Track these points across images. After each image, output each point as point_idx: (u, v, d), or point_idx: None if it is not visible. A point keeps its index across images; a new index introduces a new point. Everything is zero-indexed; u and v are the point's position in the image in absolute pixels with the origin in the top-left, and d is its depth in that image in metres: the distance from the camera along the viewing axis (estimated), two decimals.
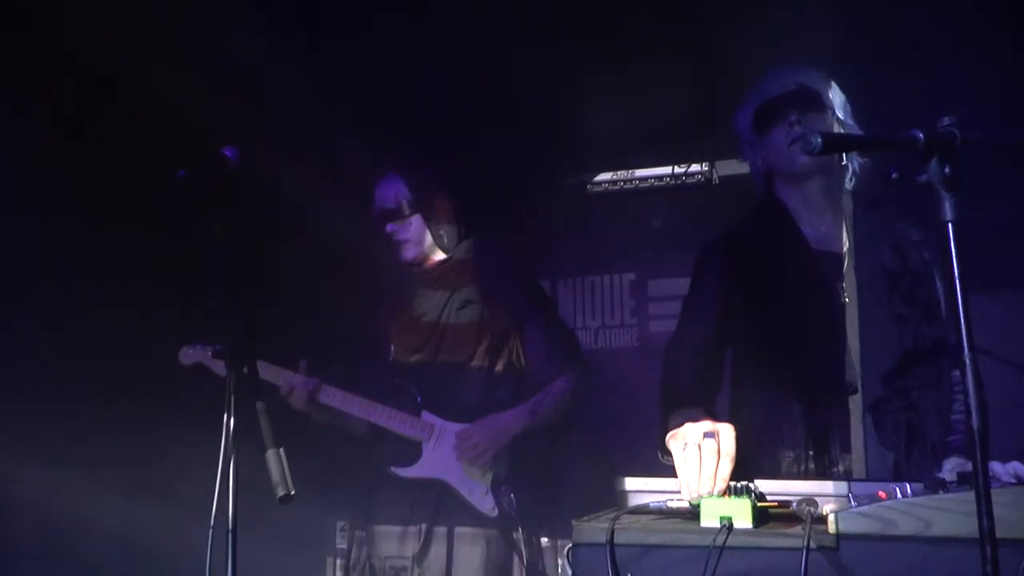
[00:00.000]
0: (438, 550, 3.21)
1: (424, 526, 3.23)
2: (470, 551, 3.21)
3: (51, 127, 3.54)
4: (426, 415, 3.32)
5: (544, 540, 3.36)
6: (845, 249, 2.37)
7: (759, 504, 1.65)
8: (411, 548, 3.22)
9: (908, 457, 2.22)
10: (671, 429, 1.94)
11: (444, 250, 3.46)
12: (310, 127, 3.83)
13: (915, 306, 2.32)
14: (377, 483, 3.35)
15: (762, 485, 1.71)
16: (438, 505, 3.25)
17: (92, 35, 3.31)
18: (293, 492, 1.86)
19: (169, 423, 3.52)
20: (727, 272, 2.40)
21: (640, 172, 4.46)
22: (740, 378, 2.42)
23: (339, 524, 4.10)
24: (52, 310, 3.61)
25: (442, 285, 3.44)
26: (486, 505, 3.21)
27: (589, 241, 4.50)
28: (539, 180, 4.45)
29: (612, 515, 1.69)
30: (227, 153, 2.38)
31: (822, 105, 2.34)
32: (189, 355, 3.43)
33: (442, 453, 3.27)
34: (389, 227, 3.42)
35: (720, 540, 1.56)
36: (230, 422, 1.86)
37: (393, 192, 3.43)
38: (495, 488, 3.23)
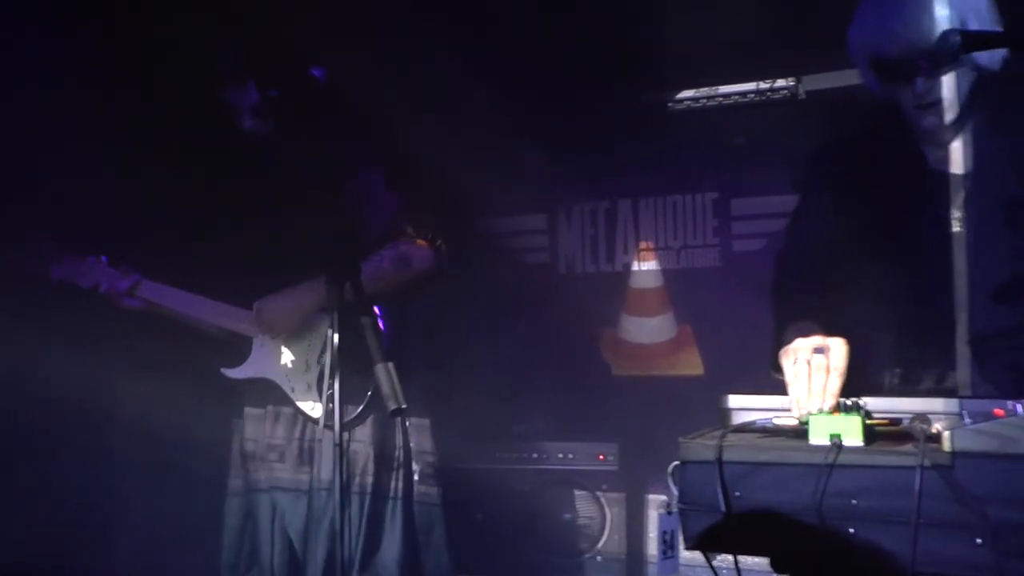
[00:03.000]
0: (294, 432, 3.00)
1: (272, 408, 3.03)
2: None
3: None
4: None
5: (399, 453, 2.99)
6: (963, 172, 2.24)
7: (868, 422, 1.63)
8: (278, 431, 3.02)
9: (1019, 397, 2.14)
10: (784, 345, 1.91)
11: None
12: None
13: None
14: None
15: (869, 403, 1.68)
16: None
17: None
18: (405, 406, 1.89)
19: None
20: (834, 185, 2.29)
21: (723, 89, 4.34)
22: (843, 293, 2.27)
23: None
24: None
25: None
26: (307, 403, 2.94)
27: (671, 160, 4.43)
28: (620, 98, 4.37)
29: (719, 432, 1.68)
30: (316, 73, 2.38)
31: (955, 57, 2.02)
32: (59, 270, 3.09)
33: (269, 350, 3.02)
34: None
35: (830, 458, 1.54)
36: (334, 337, 1.89)
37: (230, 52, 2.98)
38: (319, 384, 2.87)
